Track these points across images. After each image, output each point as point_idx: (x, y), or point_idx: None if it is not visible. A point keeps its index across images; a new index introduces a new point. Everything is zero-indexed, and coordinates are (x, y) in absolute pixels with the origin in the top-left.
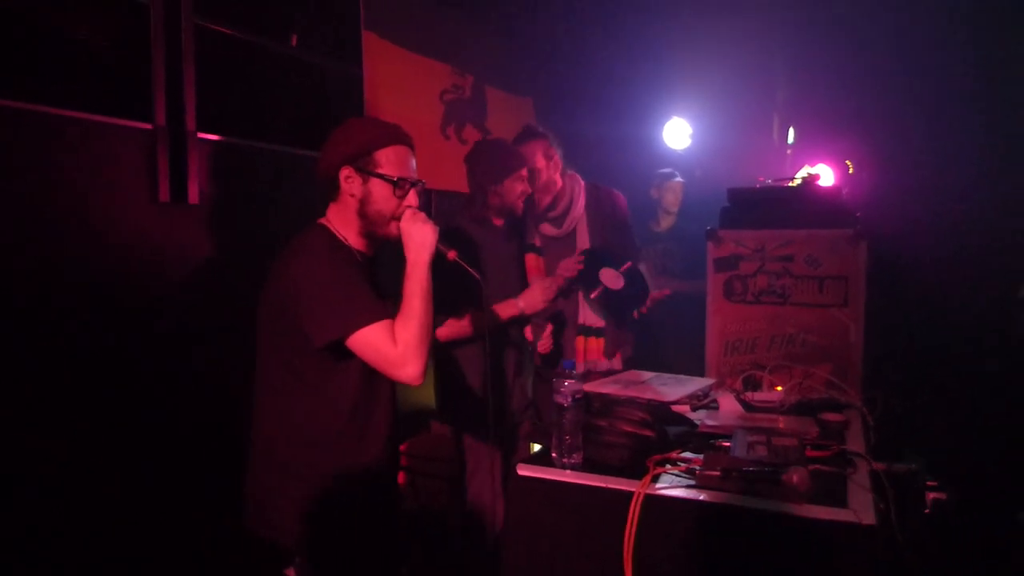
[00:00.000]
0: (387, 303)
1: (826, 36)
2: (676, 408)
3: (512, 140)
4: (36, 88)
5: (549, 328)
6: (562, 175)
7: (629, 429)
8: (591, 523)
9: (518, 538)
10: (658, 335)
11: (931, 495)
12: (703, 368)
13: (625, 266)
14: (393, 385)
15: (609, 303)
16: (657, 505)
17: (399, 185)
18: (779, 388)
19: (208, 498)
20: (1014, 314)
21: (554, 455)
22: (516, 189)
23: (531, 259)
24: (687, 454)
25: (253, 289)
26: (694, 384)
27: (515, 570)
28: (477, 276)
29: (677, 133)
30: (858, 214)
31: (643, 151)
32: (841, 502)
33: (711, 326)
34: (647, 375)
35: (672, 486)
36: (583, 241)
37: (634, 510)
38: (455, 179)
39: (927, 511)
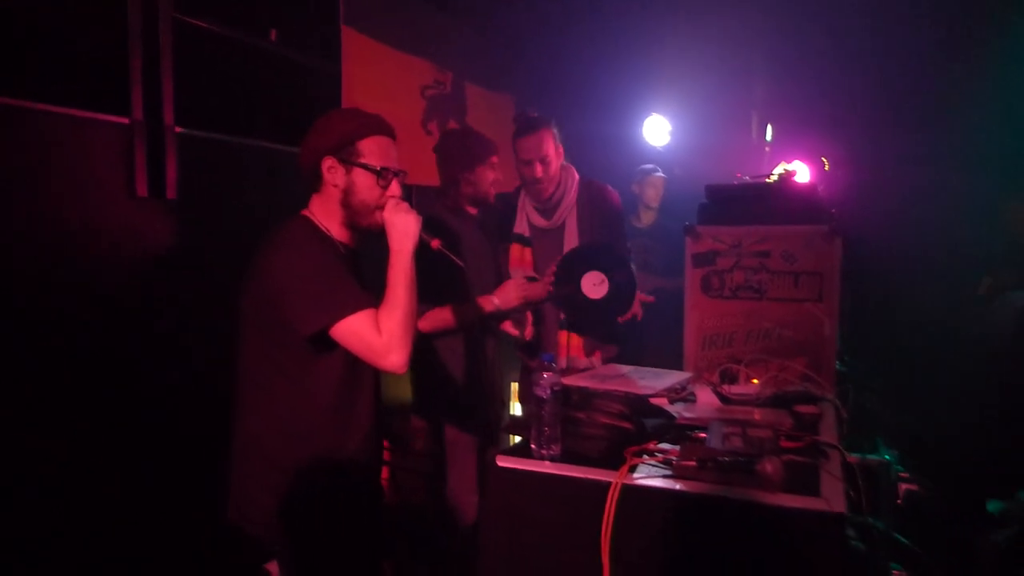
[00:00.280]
0: (371, 293)
1: (804, 35)
2: (654, 401)
3: (517, 129)
4: (10, 81)
5: (530, 317)
6: (560, 165)
7: (607, 421)
8: (569, 513)
9: (496, 528)
10: (639, 330)
11: (903, 486)
12: (682, 362)
13: (609, 274)
14: (377, 377)
15: (587, 317)
16: (634, 495)
17: (382, 175)
18: (755, 381)
19: (189, 493)
20: (977, 309)
21: (533, 446)
22: (488, 177)
23: (515, 249)
24: (664, 445)
25: (232, 283)
26: (672, 377)
27: (493, 560)
28: (461, 264)
29: (657, 130)
30: (833, 211)
31: (623, 148)
32: (813, 491)
33: (689, 321)
34: (626, 368)
35: (649, 476)
36: (571, 236)
37: (611, 500)
38: (436, 174)
39: (899, 502)
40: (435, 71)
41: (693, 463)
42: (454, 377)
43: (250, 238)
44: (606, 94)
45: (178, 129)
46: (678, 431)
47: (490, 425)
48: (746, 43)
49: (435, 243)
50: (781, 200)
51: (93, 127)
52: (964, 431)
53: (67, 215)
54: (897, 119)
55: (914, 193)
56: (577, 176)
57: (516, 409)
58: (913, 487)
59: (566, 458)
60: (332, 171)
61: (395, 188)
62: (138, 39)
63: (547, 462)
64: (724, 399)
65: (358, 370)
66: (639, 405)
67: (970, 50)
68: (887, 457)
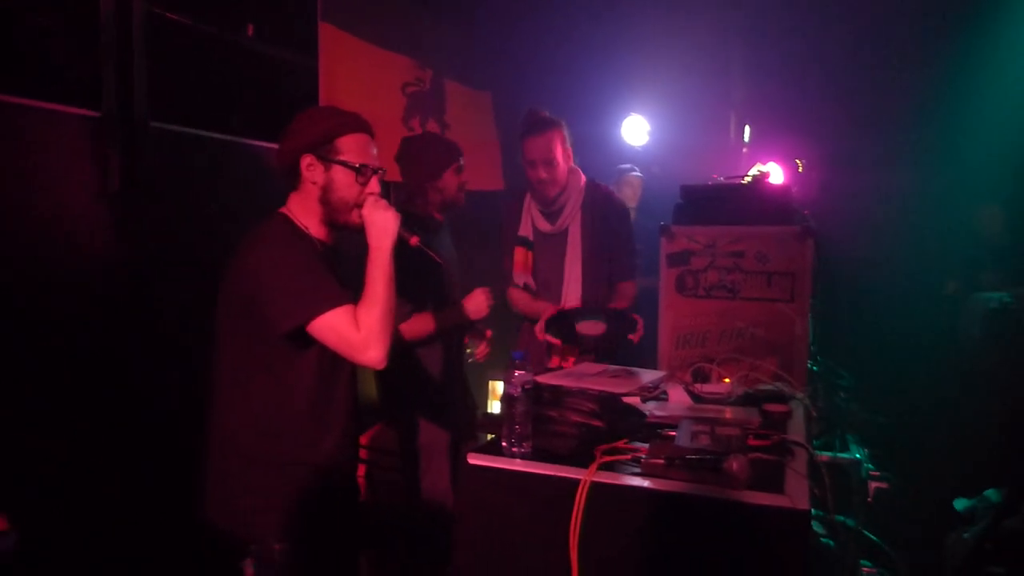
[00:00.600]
0: (349, 290)
1: (782, 36)
2: (627, 399)
3: (524, 129)
4: None
5: (489, 334)
6: (568, 168)
7: (579, 419)
8: (540, 510)
9: (469, 526)
10: None
11: (874, 484)
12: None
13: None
14: (354, 374)
15: (599, 348)
16: (603, 492)
17: (361, 172)
18: (727, 380)
19: (160, 490)
20: (947, 310)
21: (504, 444)
22: (455, 182)
23: (519, 253)
24: (635, 443)
25: (206, 280)
26: (645, 376)
27: (465, 557)
28: (440, 261)
29: (635, 130)
30: (806, 212)
31: (601, 147)
32: (778, 488)
33: (663, 320)
34: (600, 367)
35: (618, 474)
36: (575, 242)
37: (580, 497)
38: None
39: (870, 499)
40: (415, 68)
41: (661, 461)
42: (425, 376)
43: (225, 234)
44: (585, 93)
45: (153, 123)
46: (648, 429)
47: (463, 423)
48: (725, 44)
49: (414, 240)
50: (755, 201)
51: (64, 120)
52: (933, 430)
53: (37, 209)
54: (870, 122)
55: (885, 195)
56: (584, 180)
57: (496, 407)
58: (883, 485)
59: (537, 456)
60: (311, 168)
61: (374, 185)
62: (111, 32)
63: (518, 460)
64: (696, 398)
65: (335, 367)
66: (611, 403)
67: (942, 55)
68: (858, 455)
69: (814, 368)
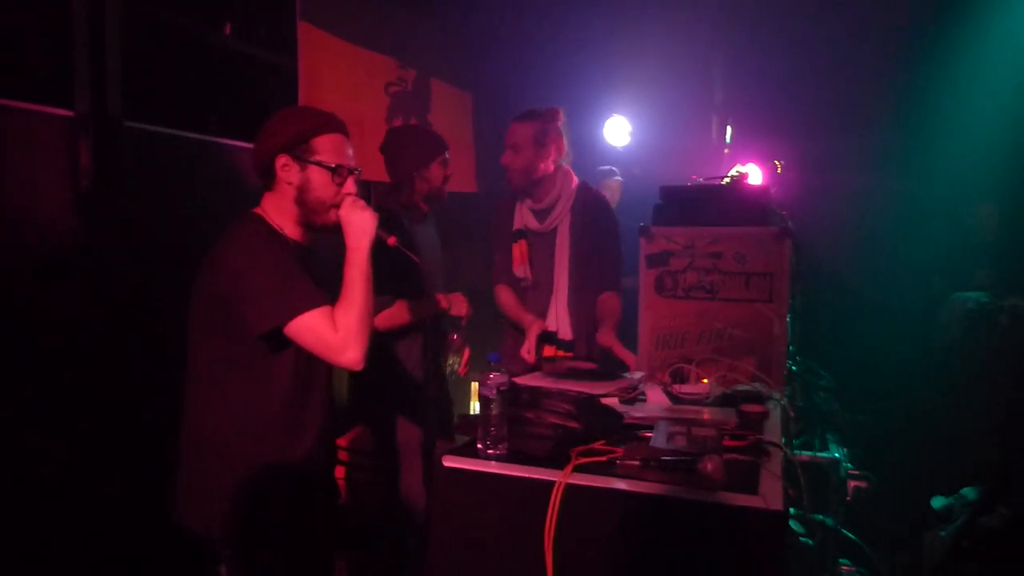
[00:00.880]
0: (325, 291)
1: (763, 39)
2: (605, 400)
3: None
4: None
5: (467, 354)
6: (556, 166)
7: (555, 420)
8: (515, 513)
9: (444, 529)
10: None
11: (853, 483)
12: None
13: None
14: (330, 376)
15: None
16: (578, 494)
17: (337, 172)
18: (705, 381)
19: (141, 493)
20: (927, 310)
21: (480, 446)
22: (441, 174)
23: (518, 247)
24: (611, 445)
25: (181, 280)
26: (624, 377)
27: (440, 560)
28: (417, 260)
29: (617, 131)
30: (784, 213)
31: (584, 148)
32: (752, 489)
33: (643, 321)
34: (580, 367)
35: (593, 476)
36: (563, 242)
37: (555, 499)
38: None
39: (848, 498)
40: (397, 68)
41: (637, 462)
42: (401, 375)
43: (201, 234)
44: (567, 94)
45: (127, 123)
46: (626, 431)
47: (438, 422)
48: (706, 46)
49: (391, 240)
50: (733, 202)
51: (36, 119)
52: (912, 429)
53: (9, 209)
54: (851, 124)
55: (866, 196)
56: (576, 182)
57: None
58: (862, 484)
59: (512, 458)
60: (286, 169)
61: (350, 185)
62: (84, 31)
63: (493, 462)
64: (674, 399)
65: (312, 368)
66: (589, 405)
67: (922, 57)
68: (837, 455)
69: (793, 368)
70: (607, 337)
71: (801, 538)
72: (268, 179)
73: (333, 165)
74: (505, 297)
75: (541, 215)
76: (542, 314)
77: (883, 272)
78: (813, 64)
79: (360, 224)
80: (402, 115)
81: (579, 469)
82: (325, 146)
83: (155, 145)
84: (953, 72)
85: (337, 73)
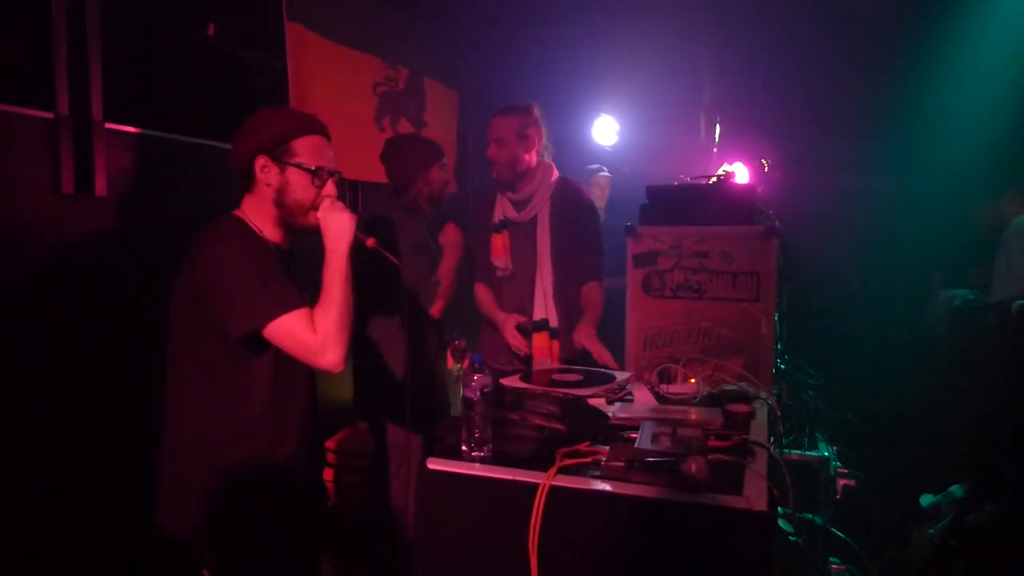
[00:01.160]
0: (304, 293)
1: (751, 37)
2: (592, 401)
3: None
4: None
5: (467, 362)
6: (539, 159)
7: (539, 422)
8: (499, 515)
9: (429, 531)
10: None
11: (841, 481)
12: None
13: None
14: (312, 379)
15: None
16: (562, 496)
17: (317, 174)
18: (692, 380)
19: (121, 496)
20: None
21: (464, 448)
22: (441, 177)
23: (499, 238)
24: (596, 446)
25: (164, 284)
26: (612, 377)
27: (425, 563)
28: (396, 262)
29: (605, 130)
30: (771, 211)
31: (572, 148)
32: (736, 490)
33: (630, 321)
34: (568, 369)
35: (577, 477)
36: (543, 231)
37: (539, 502)
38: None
39: (837, 496)
40: (387, 67)
41: (621, 464)
42: (396, 378)
43: (183, 237)
44: (555, 93)
45: (109, 125)
46: (612, 431)
47: (433, 425)
48: (694, 44)
49: (370, 242)
50: (720, 201)
51: (15, 121)
52: (901, 427)
53: None
54: (839, 122)
55: (854, 195)
56: (556, 175)
57: None
58: (851, 482)
59: (496, 460)
60: (265, 170)
61: (330, 188)
62: (63, 32)
63: (477, 464)
64: (661, 399)
65: (292, 371)
66: (574, 406)
67: (910, 56)
68: (826, 453)
69: (782, 367)
70: (583, 335)
71: (790, 537)
72: (247, 180)
73: (313, 167)
74: (483, 295)
75: (520, 205)
76: (523, 304)
77: (872, 270)
78: (803, 62)
79: (338, 226)
80: (390, 114)
81: (563, 471)
82: (305, 148)
83: (135, 146)
84: (944, 69)
85: (325, 73)
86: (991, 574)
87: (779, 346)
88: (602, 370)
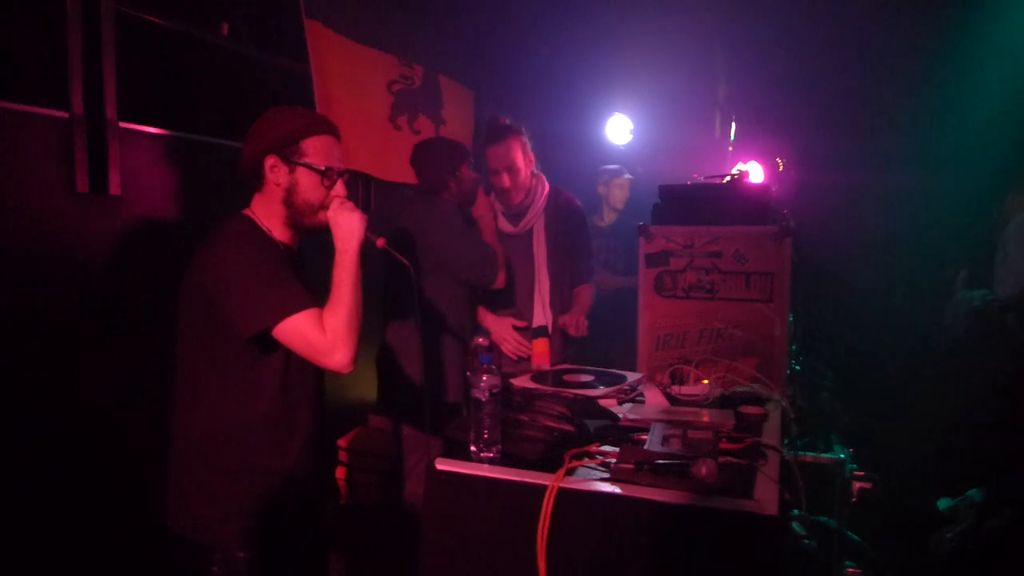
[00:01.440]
0: (313, 293)
1: (766, 35)
2: (603, 402)
3: (487, 137)
4: None
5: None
6: (533, 172)
7: (548, 423)
8: (507, 517)
9: (436, 532)
10: (602, 330)
11: (858, 484)
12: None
13: None
14: (320, 379)
15: None
16: (571, 498)
17: (326, 175)
18: (705, 382)
19: (131, 496)
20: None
21: (472, 449)
22: (472, 176)
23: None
24: (606, 447)
25: (177, 283)
26: (623, 378)
27: (432, 564)
28: (406, 263)
29: (619, 129)
30: (785, 211)
31: (585, 147)
32: (747, 493)
33: (642, 321)
34: (580, 370)
35: (586, 479)
36: (539, 242)
37: (547, 503)
38: (403, 170)
39: (854, 500)
40: (402, 65)
41: (630, 466)
42: (413, 379)
43: (198, 236)
44: (568, 92)
45: (123, 124)
46: (622, 433)
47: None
48: (709, 42)
49: (380, 242)
50: (733, 200)
51: (31, 121)
52: (918, 429)
53: (4, 209)
54: (856, 121)
55: (872, 194)
56: (548, 186)
57: None
58: (867, 485)
59: (505, 461)
60: (274, 170)
61: (339, 188)
62: (78, 32)
63: (485, 465)
64: (673, 400)
65: (300, 370)
66: (584, 407)
67: (927, 54)
68: (842, 455)
69: (796, 368)
70: (568, 317)
71: (805, 540)
72: (257, 180)
73: (322, 168)
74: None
75: (515, 218)
76: (520, 312)
77: (890, 270)
78: (820, 58)
79: (348, 226)
80: (406, 113)
81: (573, 472)
82: (315, 148)
83: (149, 146)
84: (964, 63)
85: (342, 71)
86: None
87: (793, 347)
88: (613, 371)
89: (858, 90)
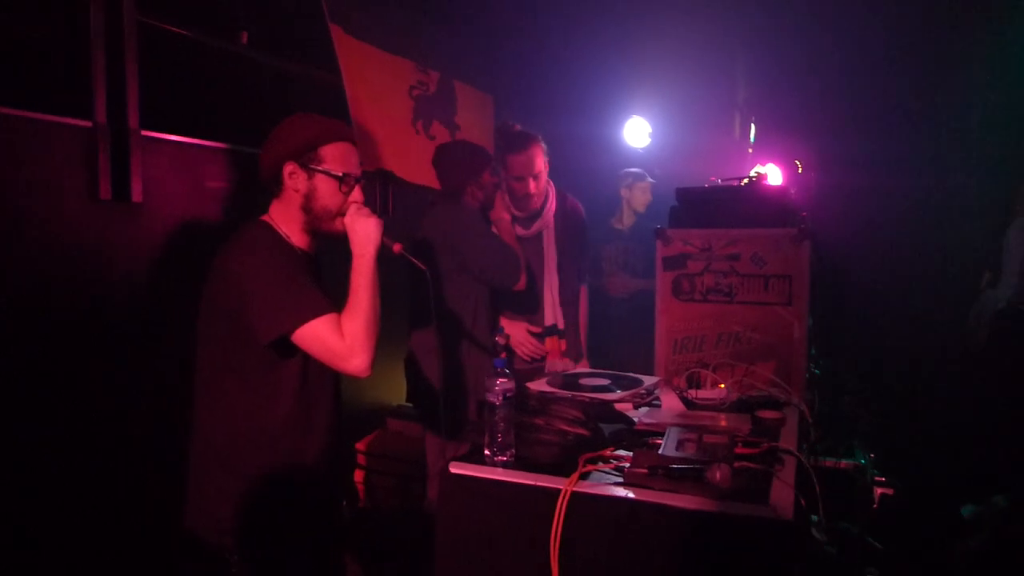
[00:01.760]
0: (331, 299)
1: (786, 36)
2: (619, 406)
3: (507, 145)
4: None
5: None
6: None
7: (563, 427)
8: (521, 521)
9: (450, 535)
10: (620, 333)
11: (879, 490)
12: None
13: None
14: (337, 383)
15: None
16: (584, 502)
17: (344, 181)
18: (722, 386)
19: (152, 499)
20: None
21: (487, 453)
22: (492, 181)
23: None
24: (620, 452)
25: (198, 288)
26: (641, 382)
27: (446, 567)
28: (423, 268)
29: (637, 132)
30: (804, 213)
31: (603, 150)
32: (762, 499)
33: (660, 324)
34: (597, 373)
35: (600, 484)
36: (550, 246)
37: (561, 507)
38: (423, 173)
39: (875, 506)
40: (418, 71)
41: (644, 470)
42: (433, 382)
43: (219, 242)
44: (586, 96)
45: (145, 132)
46: (637, 437)
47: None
48: (727, 44)
49: (397, 247)
50: (751, 203)
51: (55, 130)
52: (940, 434)
53: (28, 218)
54: (876, 123)
55: (895, 196)
56: (554, 189)
57: None
58: (889, 491)
59: (519, 465)
60: (293, 177)
61: (357, 194)
62: (101, 43)
63: (499, 469)
64: (689, 404)
65: (318, 374)
66: (599, 411)
67: (947, 56)
68: (863, 461)
69: (816, 372)
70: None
71: (825, 547)
72: (275, 186)
73: (340, 174)
74: None
75: (527, 222)
76: (533, 311)
77: (912, 273)
78: (841, 60)
79: (365, 232)
80: (424, 118)
81: (587, 476)
82: (333, 155)
83: (172, 154)
84: (989, 64)
85: (365, 76)
86: None
87: (813, 351)
88: (630, 375)
89: (878, 92)
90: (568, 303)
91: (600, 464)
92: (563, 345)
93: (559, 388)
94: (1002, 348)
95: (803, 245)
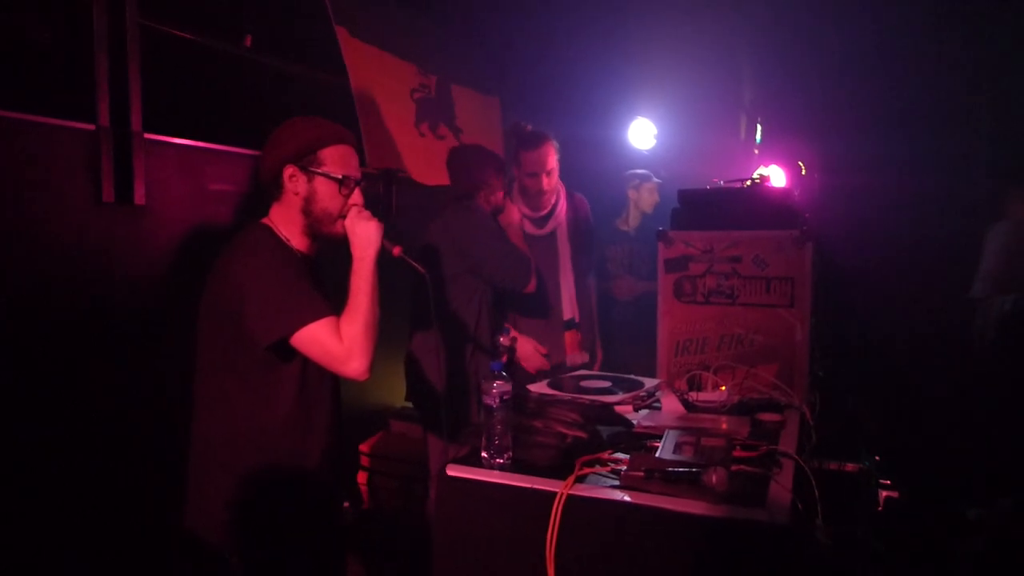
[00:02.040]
0: (330, 302)
1: (791, 38)
2: (620, 409)
3: (521, 142)
4: None
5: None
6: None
7: (561, 430)
8: (517, 523)
9: (447, 537)
10: (625, 335)
11: (884, 493)
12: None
13: None
14: (337, 385)
15: None
16: (580, 505)
17: (344, 183)
18: (723, 388)
19: (152, 499)
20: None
21: (483, 455)
22: (501, 184)
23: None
24: (618, 455)
25: (200, 290)
26: (644, 384)
27: (444, 568)
28: (422, 271)
29: (642, 133)
30: (807, 215)
31: (608, 151)
32: (759, 502)
33: (662, 327)
34: (600, 376)
35: (596, 487)
36: (563, 243)
37: (556, 510)
38: (430, 174)
39: (880, 509)
40: (419, 74)
41: (641, 474)
42: (434, 385)
43: (221, 244)
44: (591, 97)
45: (148, 135)
46: (635, 440)
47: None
48: (732, 46)
49: (396, 250)
50: (753, 205)
51: (59, 133)
52: (945, 437)
53: (32, 220)
54: (881, 125)
55: (897, 197)
56: (564, 188)
57: None
58: (893, 494)
59: (516, 467)
60: (293, 179)
61: (357, 197)
62: (104, 47)
63: (495, 471)
64: (690, 406)
65: (317, 377)
66: (597, 413)
67: (952, 58)
68: (867, 463)
69: (820, 374)
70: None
71: (829, 550)
72: (275, 189)
73: (339, 176)
74: None
75: (540, 221)
76: (545, 313)
77: (917, 275)
78: (846, 61)
79: (365, 235)
80: (427, 120)
81: (584, 479)
82: (332, 157)
83: (175, 157)
84: (993, 65)
85: (370, 76)
86: None
87: (815, 353)
88: (631, 377)
89: (883, 94)
90: (581, 295)
91: (597, 467)
92: (578, 337)
93: (559, 390)
94: (1008, 349)
95: (805, 247)
